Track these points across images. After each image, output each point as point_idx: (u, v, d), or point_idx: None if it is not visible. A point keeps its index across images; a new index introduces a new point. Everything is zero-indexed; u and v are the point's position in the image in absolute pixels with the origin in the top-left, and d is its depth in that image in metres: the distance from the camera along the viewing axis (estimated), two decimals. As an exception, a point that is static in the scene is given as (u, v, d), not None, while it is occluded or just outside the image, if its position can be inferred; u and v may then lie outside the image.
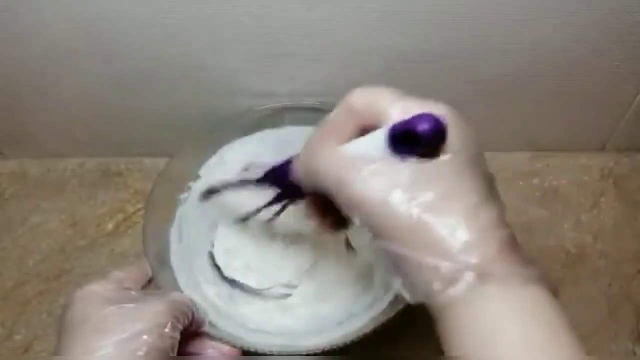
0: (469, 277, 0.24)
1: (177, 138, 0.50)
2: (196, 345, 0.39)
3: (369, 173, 0.26)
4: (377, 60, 0.47)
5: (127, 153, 0.59)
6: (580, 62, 0.46)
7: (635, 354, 0.47)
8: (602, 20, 0.42)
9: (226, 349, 0.39)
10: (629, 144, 0.56)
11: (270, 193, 0.39)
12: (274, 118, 0.50)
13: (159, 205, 0.46)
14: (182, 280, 0.45)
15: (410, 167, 0.25)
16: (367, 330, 0.39)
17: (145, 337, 0.33)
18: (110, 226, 0.56)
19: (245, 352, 0.39)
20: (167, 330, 0.34)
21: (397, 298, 0.42)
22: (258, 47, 0.46)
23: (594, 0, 0.41)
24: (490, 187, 0.26)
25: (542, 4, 0.41)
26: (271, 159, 0.37)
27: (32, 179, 0.59)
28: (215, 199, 0.45)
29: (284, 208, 0.41)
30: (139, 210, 0.56)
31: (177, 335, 0.35)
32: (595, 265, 0.51)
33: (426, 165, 0.25)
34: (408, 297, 0.26)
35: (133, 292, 0.37)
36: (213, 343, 0.40)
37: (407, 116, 0.25)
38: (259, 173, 0.39)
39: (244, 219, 0.46)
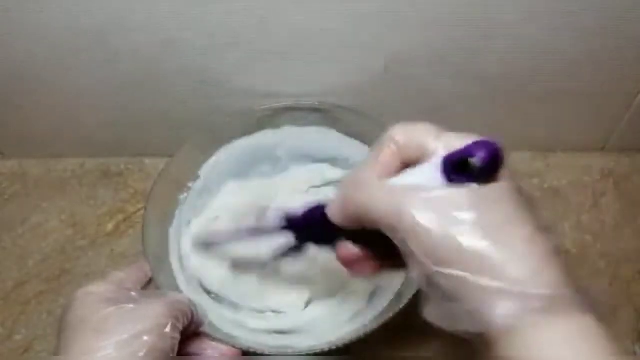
0: (533, 304, 0.24)
1: (177, 138, 0.50)
2: (195, 346, 0.39)
3: (429, 200, 0.26)
4: (377, 60, 0.47)
5: (127, 153, 0.59)
6: (580, 62, 0.46)
7: (635, 354, 0.47)
8: (602, 21, 0.42)
9: (225, 349, 0.39)
10: (629, 144, 0.56)
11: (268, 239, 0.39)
12: (274, 118, 0.50)
13: (159, 206, 0.46)
14: (181, 280, 0.45)
15: (470, 193, 0.25)
16: (367, 330, 0.39)
17: (145, 337, 0.33)
18: (110, 226, 0.56)
19: (245, 353, 0.39)
20: (167, 330, 0.34)
21: (396, 299, 0.42)
22: (257, 47, 0.46)
23: (594, 1, 0.41)
24: (538, 216, 0.26)
25: (542, 4, 0.41)
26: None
27: (32, 179, 0.59)
28: (212, 248, 0.45)
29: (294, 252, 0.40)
30: (139, 210, 0.56)
31: (177, 335, 0.35)
32: (595, 265, 0.51)
33: (485, 191, 0.26)
34: (458, 326, 0.26)
35: (133, 293, 0.37)
36: (212, 343, 0.40)
37: (453, 148, 0.26)
38: (262, 220, 0.39)
39: (242, 267, 0.45)
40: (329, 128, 0.50)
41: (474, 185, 0.25)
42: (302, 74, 0.49)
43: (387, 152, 0.29)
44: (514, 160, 0.57)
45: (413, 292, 0.40)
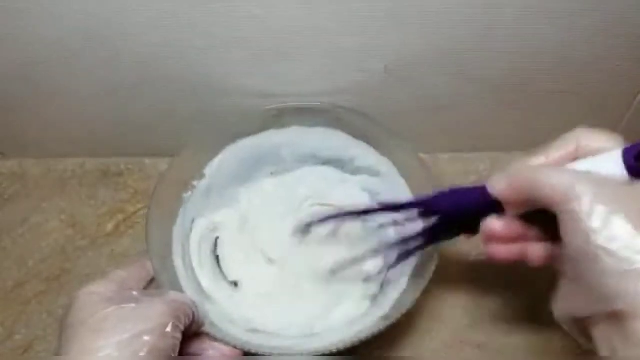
0: None
1: (177, 138, 0.50)
2: (196, 346, 0.39)
3: (614, 190, 0.27)
4: (378, 60, 0.47)
5: (127, 153, 0.59)
6: (580, 62, 0.46)
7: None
8: (602, 21, 0.42)
9: (226, 349, 0.39)
10: (629, 144, 0.56)
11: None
12: (279, 118, 0.50)
13: (163, 204, 0.46)
14: (183, 279, 0.45)
15: None
16: (370, 333, 0.39)
17: (146, 337, 0.33)
18: (110, 226, 0.55)
19: (246, 353, 0.39)
20: (168, 330, 0.34)
21: (399, 302, 0.42)
22: (257, 47, 0.46)
23: (594, 1, 0.41)
24: None
25: (542, 4, 0.41)
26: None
27: (32, 179, 0.59)
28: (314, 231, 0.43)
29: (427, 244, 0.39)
30: (139, 210, 0.56)
31: (179, 335, 0.35)
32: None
33: None
34: (591, 306, 0.27)
35: (134, 292, 0.37)
36: (213, 344, 0.39)
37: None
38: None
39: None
40: (335, 129, 0.50)
41: None
42: (301, 74, 0.49)
43: (565, 148, 0.32)
44: (514, 160, 0.57)
45: (417, 295, 0.40)
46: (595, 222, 0.26)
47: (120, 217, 0.56)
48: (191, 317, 0.37)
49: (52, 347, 0.49)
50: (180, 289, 0.43)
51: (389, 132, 0.48)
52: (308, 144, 0.51)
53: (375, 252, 0.42)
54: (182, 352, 0.36)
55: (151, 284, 0.41)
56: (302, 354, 0.40)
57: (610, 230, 0.26)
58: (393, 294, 0.43)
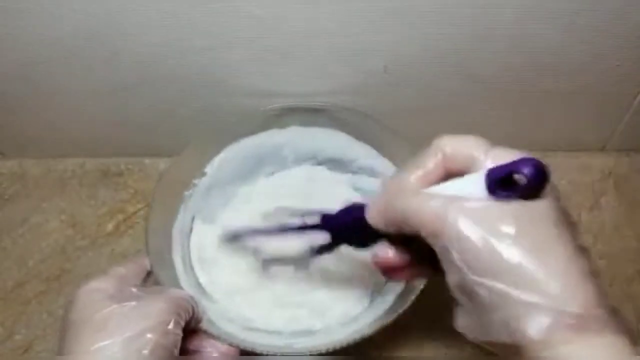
0: (567, 321, 0.24)
1: (177, 138, 0.50)
2: (194, 343, 0.39)
3: (474, 210, 0.26)
4: (377, 60, 0.47)
5: (127, 153, 0.59)
6: (580, 62, 0.46)
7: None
8: (602, 21, 0.42)
9: (224, 347, 0.39)
10: (629, 144, 0.56)
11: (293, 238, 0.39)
12: (281, 118, 0.50)
13: (163, 201, 0.46)
14: (182, 277, 0.45)
15: (515, 208, 0.26)
16: (368, 332, 0.39)
17: (149, 335, 0.33)
18: (110, 226, 0.56)
19: (243, 352, 0.39)
20: (170, 327, 0.34)
21: (397, 301, 0.42)
22: (257, 47, 0.46)
23: (594, 1, 0.41)
24: (578, 236, 0.27)
25: (543, 4, 0.41)
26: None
27: (32, 179, 0.59)
28: (239, 243, 0.45)
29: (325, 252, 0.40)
30: (139, 210, 0.56)
31: (180, 331, 0.35)
32: (595, 265, 0.51)
33: (530, 207, 0.26)
34: (489, 336, 0.27)
35: (134, 289, 0.37)
36: (211, 341, 0.40)
37: (501, 162, 0.27)
38: (292, 218, 0.40)
39: (270, 264, 0.45)
40: (336, 129, 0.50)
41: (519, 201, 0.26)
42: (301, 74, 0.49)
43: (432, 160, 0.29)
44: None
45: (415, 295, 0.40)
46: (466, 256, 0.26)
47: (120, 217, 0.56)
48: (190, 312, 0.37)
49: (52, 347, 0.49)
50: (179, 287, 0.43)
51: (390, 133, 0.48)
52: (309, 144, 0.51)
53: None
54: (180, 349, 0.36)
55: (148, 278, 0.41)
56: (299, 353, 0.40)
57: (482, 265, 0.25)
58: (391, 294, 0.43)
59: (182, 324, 0.36)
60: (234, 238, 0.44)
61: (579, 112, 0.53)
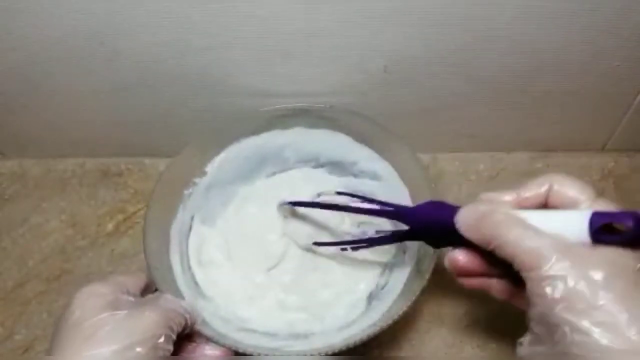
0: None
1: (177, 138, 0.50)
2: (188, 344, 0.39)
3: (572, 252, 0.28)
4: (378, 61, 0.47)
5: (127, 153, 0.59)
6: (580, 62, 0.46)
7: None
8: (602, 21, 0.42)
9: (219, 351, 0.39)
10: (629, 144, 0.56)
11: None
12: (283, 119, 0.50)
13: (163, 199, 0.46)
14: (179, 276, 0.45)
15: (613, 254, 0.28)
16: (363, 337, 0.39)
17: (138, 349, 0.32)
18: (110, 226, 0.56)
19: (237, 353, 0.39)
20: (160, 341, 0.34)
21: (396, 304, 0.42)
22: (257, 47, 0.46)
23: (594, 1, 0.41)
24: None
25: (542, 3, 0.41)
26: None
27: (32, 179, 0.59)
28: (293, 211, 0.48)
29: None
30: (139, 210, 0.56)
31: (170, 346, 0.35)
32: None
33: (619, 256, 0.28)
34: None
35: (130, 298, 0.37)
36: (206, 343, 0.39)
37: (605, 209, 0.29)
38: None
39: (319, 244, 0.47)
40: (338, 132, 0.50)
41: (618, 248, 0.28)
42: (301, 74, 0.49)
43: (537, 190, 0.32)
44: (514, 160, 0.57)
45: (414, 297, 0.39)
46: (557, 293, 0.27)
47: (120, 217, 0.56)
48: (183, 322, 0.36)
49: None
50: (175, 286, 0.43)
51: (392, 136, 0.48)
52: (311, 146, 0.51)
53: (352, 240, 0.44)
54: (175, 351, 0.36)
55: (148, 290, 0.41)
56: (296, 354, 0.40)
57: (572, 302, 0.27)
58: (390, 295, 0.43)
59: (174, 337, 0.35)
60: (292, 204, 0.48)
61: (579, 112, 0.53)
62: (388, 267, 0.47)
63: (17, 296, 0.52)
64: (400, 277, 0.44)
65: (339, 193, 0.45)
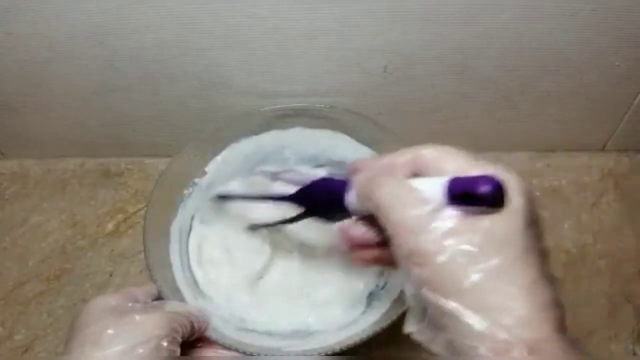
0: (519, 351, 0.23)
1: (177, 138, 0.50)
2: (197, 349, 0.39)
3: (436, 225, 0.25)
4: (377, 61, 0.47)
5: (127, 153, 0.59)
6: (580, 62, 0.46)
7: (635, 354, 0.47)
8: (602, 21, 0.42)
9: (227, 354, 0.39)
10: (629, 144, 0.56)
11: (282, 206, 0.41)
12: (284, 119, 0.50)
13: (163, 199, 0.46)
14: (179, 276, 0.45)
15: (481, 230, 0.25)
16: (362, 337, 0.39)
17: (140, 350, 0.33)
18: (110, 226, 0.56)
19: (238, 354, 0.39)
20: (163, 342, 0.34)
21: (395, 303, 0.42)
22: (257, 47, 0.46)
23: (594, 1, 0.41)
24: (546, 263, 0.26)
25: (543, 3, 0.41)
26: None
27: (32, 179, 0.59)
28: (226, 204, 0.47)
29: (294, 221, 0.41)
30: (139, 210, 0.56)
31: (176, 347, 0.35)
32: (595, 265, 0.51)
33: (496, 229, 0.25)
34: (437, 349, 0.26)
35: (137, 305, 0.37)
36: (216, 347, 0.39)
37: (464, 174, 0.26)
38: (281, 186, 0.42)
39: (254, 228, 0.47)
40: (339, 132, 0.50)
41: (486, 221, 0.25)
42: (301, 74, 0.49)
43: (406, 158, 0.29)
44: (514, 160, 0.57)
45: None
46: (425, 270, 0.25)
47: (120, 217, 0.56)
48: (189, 327, 0.37)
49: (52, 347, 0.49)
50: (175, 285, 0.43)
51: (392, 136, 0.47)
52: (311, 146, 0.51)
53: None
54: (184, 354, 0.36)
55: (159, 299, 0.41)
56: (296, 354, 0.40)
57: (440, 280, 0.25)
58: (390, 295, 0.43)
59: (180, 340, 0.35)
60: (223, 199, 0.47)
61: (579, 112, 0.53)
62: (388, 267, 0.47)
63: (17, 296, 0.52)
64: (400, 278, 0.44)
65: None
